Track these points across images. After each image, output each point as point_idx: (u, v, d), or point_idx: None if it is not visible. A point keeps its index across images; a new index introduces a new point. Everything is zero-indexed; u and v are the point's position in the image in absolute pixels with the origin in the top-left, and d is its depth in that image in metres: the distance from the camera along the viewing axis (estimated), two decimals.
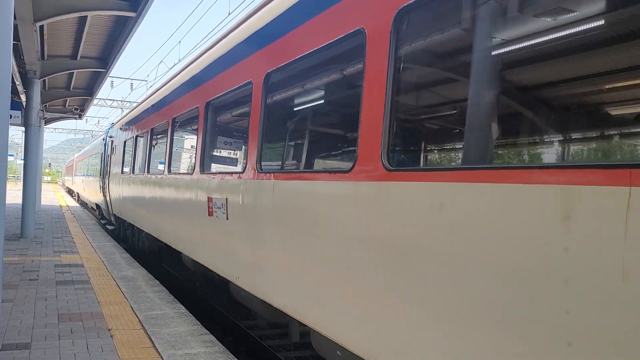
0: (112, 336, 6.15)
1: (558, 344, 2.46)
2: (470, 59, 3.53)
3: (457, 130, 5.64)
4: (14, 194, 34.80)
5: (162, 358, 5.48)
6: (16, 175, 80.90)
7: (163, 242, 10.68)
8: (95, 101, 36.11)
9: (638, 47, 3.25)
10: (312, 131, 6.61)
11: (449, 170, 3.22)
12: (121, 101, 44.74)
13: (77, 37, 14.68)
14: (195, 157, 8.03)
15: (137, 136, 13.58)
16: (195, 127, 8.30)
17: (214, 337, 6.35)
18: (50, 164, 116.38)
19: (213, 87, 7.82)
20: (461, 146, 5.26)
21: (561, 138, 4.64)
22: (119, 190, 16.05)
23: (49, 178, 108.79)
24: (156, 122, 11.28)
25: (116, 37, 14.79)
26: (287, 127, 6.58)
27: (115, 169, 17.14)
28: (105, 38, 15.08)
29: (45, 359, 5.34)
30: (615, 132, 4.43)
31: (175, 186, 9.13)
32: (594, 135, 4.69)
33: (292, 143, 6.88)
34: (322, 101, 6.07)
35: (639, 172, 2.18)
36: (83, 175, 35.02)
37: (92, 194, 26.52)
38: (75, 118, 27.85)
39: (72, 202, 37.69)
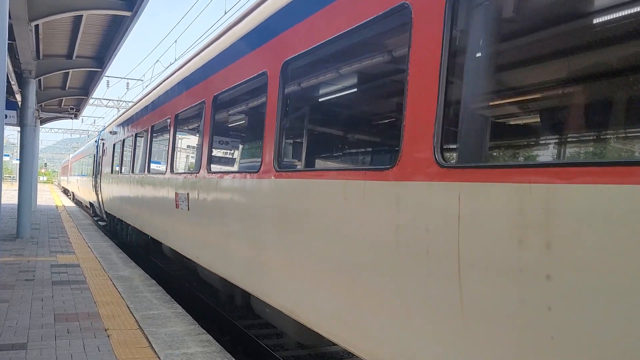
0: (108, 336, 6.14)
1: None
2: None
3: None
4: (10, 194, 34.68)
5: (159, 358, 5.47)
6: (12, 176, 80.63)
7: (146, 235, 12.01)
8: (91, 101, 36.03)
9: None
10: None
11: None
12: (117, 101, 44.61)
13: (73, 37, 14.62)
14: (167, 159, 9.59)
15: (124, 139, 15.23)
16: (167, 132, 9.99)
17: (211, 336, 6.34)
18: (46, 164, 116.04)
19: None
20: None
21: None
22: (109, 188, 17.69)
23: (45, 178, 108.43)
24: (138, 128, 13.05)
25: (112, 36, 14.74)
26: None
27: (106, 169, 18.85)
28: (101, 37, 15.03)
29: None
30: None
31: (153, 184, 10.71)
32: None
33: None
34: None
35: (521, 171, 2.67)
36: (77, 175, 37.28)
37: (86, 193, 28.20)
38: (71, 118, 27.75)
39: (68, 202, 37.58)
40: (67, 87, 21.68)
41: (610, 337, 2.21)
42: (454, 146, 3.53)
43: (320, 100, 6.02)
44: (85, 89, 22.65)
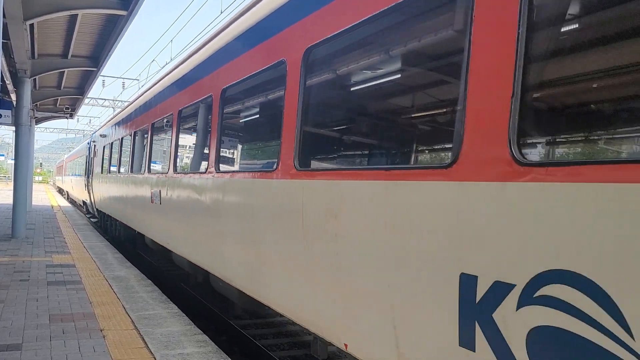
0: (104, 337, 6.11)
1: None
2: None
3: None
4: (5, 194, 34.55)
5: (155, 358, 5.44)
6: (7, 176, 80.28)
7: (133, 229, 13.28)
8: (86, 100, 35.92)
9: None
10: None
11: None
12: (113, 100, 44.47)
13: (68, 36, 14.57)
14: (145, 160, 11.13)
15: (112, 142, 16.77)
16: (146, 136, 11.29)
17: (207, 336, 6.32)
18: (41, 163, 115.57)
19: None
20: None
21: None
22: (99, 187, 19.27)
23: (40, 178, 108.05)
24: (124, 132, 14.53)
25: (107, 35, 14.69)
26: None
27: (96, 170, 20.37)
28: (96, 37, 14.97)
29: None
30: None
31: (135, 183, 12.25)
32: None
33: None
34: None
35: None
36: (71, 175, 39.45)
37: (79, 192, 30.09)
38: (67, 117, 27.65)
39: (64, 202, 37.47)
40: (62, 87, 21.60)
41: (365, 268, 3.90)
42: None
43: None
44: (81, 89, 22.57)
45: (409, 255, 3.42)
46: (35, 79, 17.68)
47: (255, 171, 5.84)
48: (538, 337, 2.53)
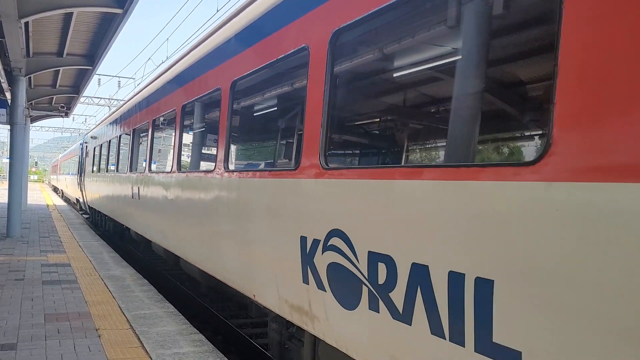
0: (99, 336, 6.08)
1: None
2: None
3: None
4: (0, 193, 34.39)
5: (150, 358, 5.42)
6: (2, 174, 79.96)
7: (121, 224, 14.58)
8: (82, 99, 35.78)
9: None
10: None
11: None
12: (108, 99, 44.32)
13: (63, 34, 14.50)
14: (128, 160, 12.56)
15: (101, 144, 18.10)
16: (128, 138, 12.80)
17: (203, 336, 6.30)
18: (36, 162, 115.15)
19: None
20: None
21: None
22: (90, 185, 20.85)
23: (36, 177, 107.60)
24: (111, 135, 15.95)
25: (103, 34, 14.62)
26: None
27: (88, 169, 21.94)
28: (92, 35, 14.91)
29: None
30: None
31: (119, 181, 13.65)
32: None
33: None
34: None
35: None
36: (66, 174, 41.62)
37: (73, 190, 32.20)
38: (62, 116, 27.54)
39: (59, 201, 37.35)
40: (57, 85, 21.50)
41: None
42: None
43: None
44: (76, 87, 22.48)
45: (275, 225, 5.05)
46: (30, 78, 17.59)
47: (200, 171, 7.42)
48: (330, 268, 4.17)
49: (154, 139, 10.15)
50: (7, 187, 16.08)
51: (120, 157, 14.02)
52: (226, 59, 6.35)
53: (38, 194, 44.92)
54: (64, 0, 11.54)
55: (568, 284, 2.32)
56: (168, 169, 8.85)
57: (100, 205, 18.19)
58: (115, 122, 15.57)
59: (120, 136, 14.11)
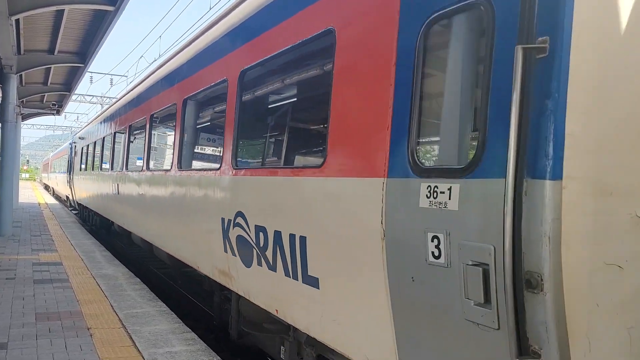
0: (91, 335, 6.06)
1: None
2: None
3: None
4: None
5: (142, 356, 5.41)
6: None
7: (107, 218, 15.65)
8: (74, 97, 35.57)
9: None
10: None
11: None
12: (101, 97, 44.08)
13: (54, 32, 14.41)
14: (110, 159, 13.87)
15: (88, 144, 19.42)
16: (110, 140, 14.40)
17: (195, 335, 6.29)
18: (28, 160, 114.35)
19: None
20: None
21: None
22: (78, 183, 22.08)
23: (27, 175, 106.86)
24: (95, 137, 17.53)
25: (94, 31, 14.54)
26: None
27: (76, 168, 23.07)
28: (83, 32, 14.82)
29: (22, 359, 5.23)
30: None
31: (103, 179, 14.98)
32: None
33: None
34: None
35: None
36: (56, 172, 43.63)
37: (63, 188, 33.92)
38: (53, 114, 27.38)
39: (51, 200, 37.17)
40: (49, 83, 21.38)
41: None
42: None
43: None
44: (68, 85, 22.35)
45: (206, 211, 6.42)
46: (21, 75, 17.47)
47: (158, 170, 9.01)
48: (237, 239, 5.49)
49: (130, 142, 11.77)
50: None
51: (104, 157, 15.45)
52: (179, 80, 8.13)
53: (30, 193, 44.65)
54: None
55: (336, 238, 3.96)
56: (139, 168, 10.50)
57: (87, 202, 19.56)
58: (99, 125, 17.25)
59: (104, 138, 15.63)
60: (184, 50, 8.16)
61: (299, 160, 5.84)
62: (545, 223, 2.42)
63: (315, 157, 5.04)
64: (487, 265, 2.62)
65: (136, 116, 11.02)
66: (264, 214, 4.98)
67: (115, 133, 13.54)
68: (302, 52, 4.91)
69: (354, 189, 3.74)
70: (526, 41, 2.52)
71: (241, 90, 5.68)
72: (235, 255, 5.60)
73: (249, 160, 6.61)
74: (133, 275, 9.95)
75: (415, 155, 3.17)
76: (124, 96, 13.62)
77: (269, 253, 4.87)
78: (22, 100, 22.51)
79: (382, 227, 3.36)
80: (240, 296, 5.89)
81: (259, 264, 5.08)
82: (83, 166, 20.39)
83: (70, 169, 26.40)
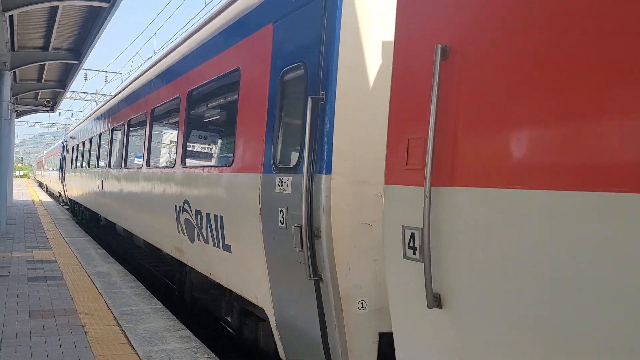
0: (85, 332, 6.04)
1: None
2: None
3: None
4: None
5: (137, 354, 5.40)
6: None
7: (96, 213, 16.95)
8: (68, 94, 35.42)
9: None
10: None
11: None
12: (95, 94, 43.90)
13: (49, 28, 14.32)
14: (97, 158, 15.63)
15: (78, 143, 20.87)
16: (96, 140, 16.03)
17: (190, 332, 6.28)
18: (22, 158, 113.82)
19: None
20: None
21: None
22: (70, 180, 23.51)
23: (21, 173, 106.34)
24: (84, 137, 19.12)
25: (89, 28, 14.47)
26: None
27: (68, 165, 24.52)
28: (78, 29, 14.74)
29: (16, 357, 5.21)
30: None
31: (90, 176, 16.42)
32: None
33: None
34: None
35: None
36: (50, 170, 45.15)
37: (56, 184, 35.48)
38: (47, 111, 27.26)
39: (45, 197, 37.03)
40: (43, 80, 21.27)
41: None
42: None
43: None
44: (62, 82, 22.24)
45: (165, 201, 7.97)
46: (15, 72, 17.37)
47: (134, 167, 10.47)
48: (185, 221, 7.00)
49: (112, 142, 13.26)
50: None
51: (91, 156, 17.01)
52: (149, 93, 9.81)
53: (24, 190, 44.45)
54: None
55: (238, 215, 5.46)
56: (119, 165, 11.91)
57: (77, 197, 21.18)
58: (86, 126, 19.19)
59: (91, 138, 17.16)
60: (148, 72, 10.27)
61: (220, 161, 6.80)
62: (322, 199, 4.04)
63: (229, 159, 5.96)
64: (300, 225, 4.15)
65: (115, 122, 12.88)
66: (200, 200, 6.57)
67: (101, 134, 15.18)
68: (223, 81, 6.43)
69: (246, 181, 5.30)
70: (315, 93, 4.20)
71: (188, 106, 7.38)
72: (184, 234, 7.20)
73: (192, 161, 7.52)
74: (128, 272, 9.93)
75: (274, 159, 4.77)
76: (106, 103, 15.86)
77: (203, 230, 6.46)
78: (16, 97, 22.39)
79: (259, 206, 4.97)
80: (190, 268, 7.42)
81: (198, 239, 6.68)
82: (73, 164, 21.87)
83: (62, 167, 28.08)
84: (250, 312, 5.78)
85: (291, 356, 4.88)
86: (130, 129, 11.22)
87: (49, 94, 25.25)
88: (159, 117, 9.24)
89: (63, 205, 29.82)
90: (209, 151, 7.61)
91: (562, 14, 2.22)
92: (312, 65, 4.32)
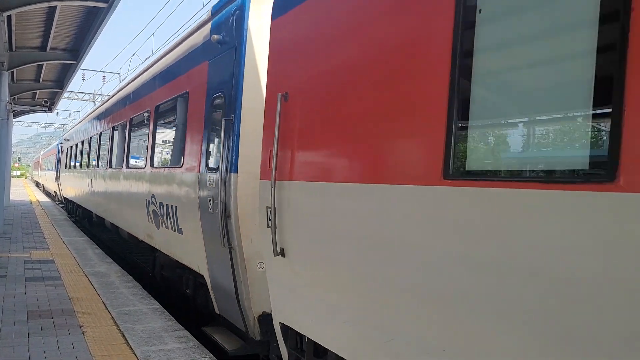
0: (83, 333, 6.04)
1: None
2: None
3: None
4: None
5: (135, 354, 5.40)
6: None
7: (88, 210, 18.16)
8: (66, 94, 35.35)
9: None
10: None
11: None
12: (93, 94, 43.81)
13: (47, 28, 14.31)
14: (87, 159, 17.34)
15: (72, 146, 22.40)
16: (87, 143, 17.79)
17: (188, 332, 6.29)
18: (20, 158, 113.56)
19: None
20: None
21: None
22: (64, 179, 25.16)
23: (19, 173, 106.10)
24: (77, 140, 20.65)
25: (87, 28, 14.46)
26: None
27: (63, 166, 26.22)
28: (76, 29, 14.73)
29: (14, 357, 5.21)
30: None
31: (82, 175, 18.01)
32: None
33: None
34: None
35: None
36: (46, 170, 47.38)
37: (52, 184, 37.13)
38: (45, 111, 27.22)
39: (43, 197, 36.96)
40: (41, 80, 21.23)
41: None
42: None
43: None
44: (60, 82, 22.21)
45: (138, 196, 9.51)
46: (13, 72, 17.34)
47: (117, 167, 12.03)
48: (152, 212, 8.64)
49: (100, 145, 14.87)
50: None
51: (83, 157, 18.68)
52: (127, 105, 11.63)
53: (21, 190, 44.36)
54: None
55: (184, 205, 7.05)
56: (105, 166, 13.53)
57: (71, 196, 22.75)
58: (79, 130, 20.96)
59: (83, 141, 18.87)
60: (127, 87, 12.19)
61: (175, 162, 7.96)
62: (232, 191, 5.61)
63: (180, 161, 7.39)
64: (218, 209, 5.72)
65: (103, 127, 14.67)
66: (162, 194, 8.10)
67: (91, 138, 16.99)
68: (179, 101, 7.82)
69: (190, 178, 6.85)
70: (228, 116, 5.80)
71: (156, 117, 9.01)
72: (153, 223, 8.69)
73: (157, 162, 9.03)
74: (126, 273, 9.92)
75: (207, 162, 6.35)
76: (95, 110, 17.77)
77: (165, 218, 8.00)
78: (14, 97, 22.35)
79: (197, 197, 6.49)
80: (158, 251, 8.94)
81: (162, 226, 8.19)
82: (67, 165, 23.75)
83: (57, 167, 30.29)
84: (201, 284, 7.12)
85: (221, 309, 6.43)
86: (115, 133, 12.67)
87: (46, 94, 25.22)
88: (136, 125, 10.76)
89: (58, 204, 31.03)
90: (168, 155, 8.94)
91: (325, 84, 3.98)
92: (227, 95, 5.98)
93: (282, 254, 4.36)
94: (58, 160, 30.07)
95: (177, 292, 8.96)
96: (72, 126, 27.37)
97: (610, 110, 2.07)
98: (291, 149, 4.26)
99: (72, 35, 15.31)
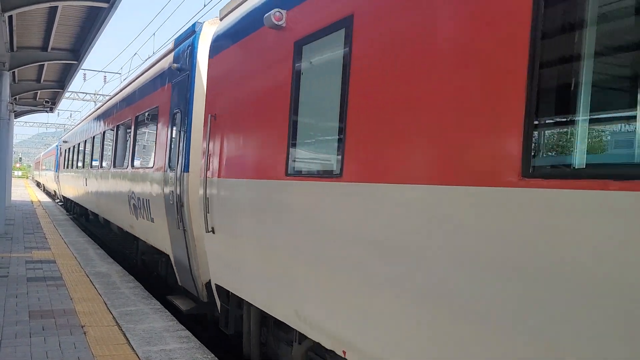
0: (85, 333, 6.04)
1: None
2: None
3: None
4: None
5: (136, 354, 5.40)
6: None
7: (85, 208, 19.47)
8: (67, 94, 35.39)
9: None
10: None
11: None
12: (94, 94, 43.85)
13: (48, 28, 14.32)
14: (83, 159, 18.71)
15: (70, 147, 23.65)
16: (84, 144, 18.92)
17: (190, 332, 6.29)
18: (21, 158, 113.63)
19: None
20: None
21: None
22: (63, 179, 26.59)
23: (20, 173, 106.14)
24: (75, 141, 21.85)
25: (88, 28, 14.47)
26: None
27: (62, 166, 27.70)
28: (77, 29, 14.74)
29: (16, 357, 5.22)
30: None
31: (78, 175, 19.28)
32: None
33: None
34: None
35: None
36: (46, 170, 49.28)
37: (51, 183, 38.97)
38: (46, 111, 27.23)
39: (44, 197, 36.99)
40: (42, 80, 21.24)
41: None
42: None
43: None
44: (61, 82, 22.22)
45: (121, 193, 11.14)
46: (14, 72, 17.36)
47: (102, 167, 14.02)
48: (132, 205, 10.13)
49: (93, 147, 16.25)
50: None
51: (78, 158, 20.01)
52: (115, 113, 13.14)
53: (22, 190, 44.40)
54: None
55: (154, 198, 8.59)
56: (97, 166, 15.08)
57: (69, 194, 24.21)
58: (75, 133, 22.64)
59: (79, 143, 20.17)
60: (115, 96, 13.61)
61: (148, 164, 9.34)
62: (184, 185, 7.05)
63: (152, 162, 8.87)
64: (176, 200, 7.18)
65: (95, 131, 16.17)
66: (139, 190, 9.50)
67: (85, 141, 18.37)
68: (153, 112, 9.22)
69: (158, 176, 8.28)
70: (182, 128, 7.42)
71: (136, 125, 10.58)
72: (133, 215, 10.13)
73: (137, 163, 10.47)
74: (127, 273, 9.93)
75: (170, 163, 7.74)
76: (90, 115, 19.20)
77: (141, 210, 9.40)
78: (15, 98, 22.37)
79: (163, 192, 7.91)
80: (138, 239, 10.60)
81: (140, 217, 9.60)
82: (66, 165, 25.27)
83: (57, 167, 32.27)
84: (172, 265, 8.28)
85: (182, 281, 7.84)
86: (105, 137, 14.37)
87: (47, 94, 25.24)
88: (123, 131, 12.32)
89: (58, 202, 32.47)
90: (143, 157, 10.42)
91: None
92: (183, 111, 7.48)
93: (213, 231, 5.92)
94: (57, 161, 32.02)
95: (157, 274, 10.52)
96: (69, 129, 29.60)
97: None
98: (218, 155, 5.87)
99: (73, 36, 15.32)
